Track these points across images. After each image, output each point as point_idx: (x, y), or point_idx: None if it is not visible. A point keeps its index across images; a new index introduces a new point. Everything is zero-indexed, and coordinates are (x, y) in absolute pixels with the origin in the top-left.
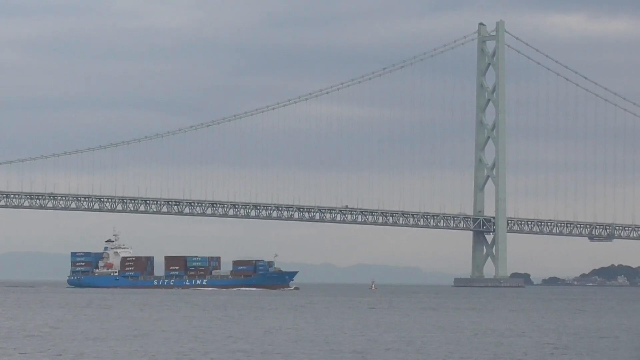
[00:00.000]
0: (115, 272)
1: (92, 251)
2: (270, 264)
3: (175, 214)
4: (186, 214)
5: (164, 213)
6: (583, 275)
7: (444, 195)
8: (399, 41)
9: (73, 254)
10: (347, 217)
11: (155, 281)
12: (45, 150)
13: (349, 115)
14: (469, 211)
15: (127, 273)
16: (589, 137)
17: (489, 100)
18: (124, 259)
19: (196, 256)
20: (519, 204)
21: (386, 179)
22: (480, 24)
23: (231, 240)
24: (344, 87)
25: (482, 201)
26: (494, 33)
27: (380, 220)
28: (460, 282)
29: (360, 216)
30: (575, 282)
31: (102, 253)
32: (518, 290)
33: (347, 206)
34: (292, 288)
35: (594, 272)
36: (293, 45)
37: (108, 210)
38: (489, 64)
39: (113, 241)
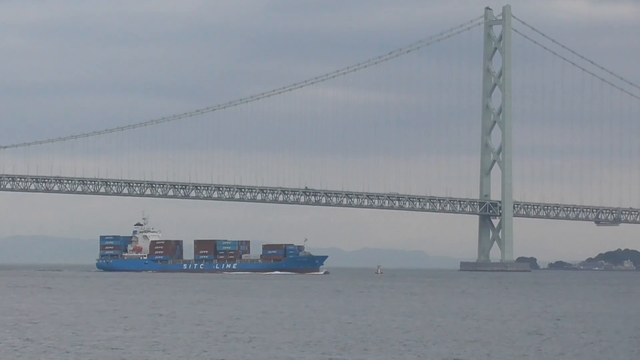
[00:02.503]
0: (144, 255)
1: (121, 235)
2: (300, 248)
3: (181, 197)
4: (192, 198)
5: (170, 197)
6: (589, 260)
7: (451, 180)
8: (406, 25)
9: (102, 238)
10: (353, 201)
11: (184, 265)
12: (52, 134)
13: (355, 99)
14: (475, 195)
15: (156, 257)
16: (595, 121)
17: (495, 84)
18: (153, 243)
19: (226, 240)
20: (525, 188)
21: (392, 163)
22: (487, 8)
23: (234, 223)
24: (351, 71)
25: (488, 185)
26: (500, 17)
27: (386, 204)
28: (466, 266)
29: (366, 200)
30: (582, 267)
31: (131, 237)
32: (525, 274)
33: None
34: (322, 272)
35: (600, 257)
36: (299, 29)
37: (138, 195)
38: (496, 48)
39: (142, 225)
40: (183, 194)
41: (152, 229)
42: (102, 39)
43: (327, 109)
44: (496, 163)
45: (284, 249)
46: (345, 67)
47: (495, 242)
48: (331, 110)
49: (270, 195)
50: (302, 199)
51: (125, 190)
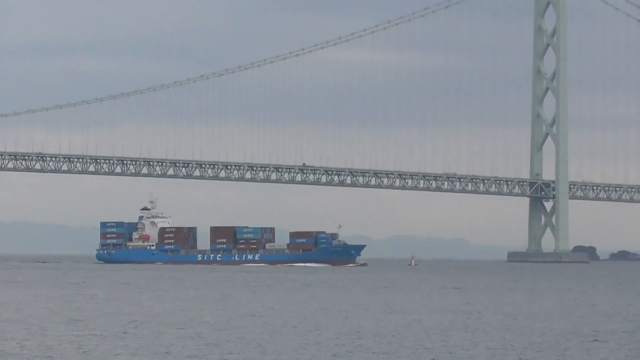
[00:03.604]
0: (152, 245)
1: (125, 221)
2: (334, 236)
3: (183, 177)
4: (195, 177)
5: (170, 176)
6: None
7: (496, 156)
8: None
9: (103, 224)
10: (382, 182)
11: (199, 256)
12: (32, 104)
13: (383, 63)
14: (525, 174)
15: (166, 246)
16: None
17: (548, 45)
18: (163, 230)
19: (247, 227)
20: (582, 165)
21: (428, 137)
22: None
23: (254, 207)
24: (379, 30)
25: (540, 163)
26: None
27: (421, 185)
28: (514, 257)
29: (398, 180)
30: None
31: (137, 223)
32: (583, 266)
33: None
34: (358, 264)
35: None
36: None
37: (132, 174)
38: (548, 2)
39: (149, 209)
40: (185, 173)
41: (161, 214)
42: None
43: (350, 74)
44: (549, 137)
45: (314, 237)
46: (373, 25)
47: (548, 229)
48: (355, 76)
49: (286, 174)
50: (324, 178)
51: (118, 169)
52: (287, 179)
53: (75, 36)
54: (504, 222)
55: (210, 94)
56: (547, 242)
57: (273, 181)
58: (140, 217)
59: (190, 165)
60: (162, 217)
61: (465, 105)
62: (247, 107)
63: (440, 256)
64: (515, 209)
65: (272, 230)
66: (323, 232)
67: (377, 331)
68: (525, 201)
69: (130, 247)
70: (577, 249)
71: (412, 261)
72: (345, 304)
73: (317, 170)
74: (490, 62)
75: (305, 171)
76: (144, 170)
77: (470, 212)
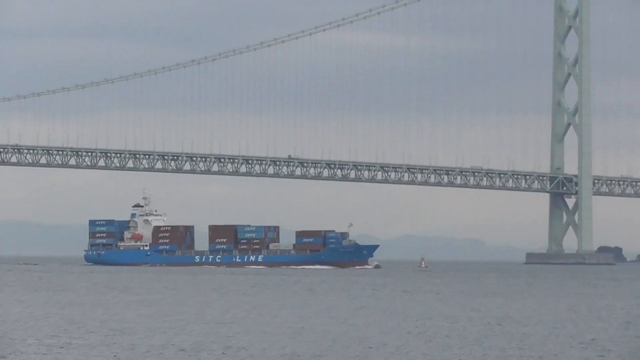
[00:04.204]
0: (146, 245)
1: (116, 219)
2: (344, 235)
3: (172, 171)
4: (185, 171)
5: (158, 170)
6: None
7: (514, 148)
8: None
9: (91, 223)
10: (390, 176)
11: (196, 257)
12: (7, 91)
13: (391, 47)
14: (545, 168)
15: (161, 247)
16: None
17: (569, 27)
18: (157, 229)
19: (249, 225)
20: (608, 158)
21: (439, 127)
22: None
23: (257, 204)
24: (386, 11)
25: (561, 155)
26: None
27: (432, 180)
28: (533, 259)
29: (407, 174)
30: None
31: (129, 221)
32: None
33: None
34: (371, 266)
35: None
36: None
37: (116, 168)
38: None
39: (143, 206)
40: (174, 167)
41: (156, 211)
42: None
43: (354, 58)
44: (571, 127)
45: (322, 237)
46: (380, 5)
47: (570, 228)
48: (360, 61)
49: (284, 168)
50: (325, 172)
51: (102, 162)
52: (286, 173)
53: (55, 19)
54: (522, 220)
55: (202, 81)
56: (569, 242)
57: (270, 175)
58: (133, 215)
59: (180, 158)
60: (157, 215)
61: (480, 92)
62: (243, 94)
63: (452, 257)
64: (535, 206)
65: (276, 229)
66: (332, 231)
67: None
68: (546, 197)
69: (121, 248)
70: (602, 249)
71: (422, 263)
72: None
73: (304, 162)
74: (507, 45)
75: (304, 164)
76: (130, 164)
77: (485, 210)
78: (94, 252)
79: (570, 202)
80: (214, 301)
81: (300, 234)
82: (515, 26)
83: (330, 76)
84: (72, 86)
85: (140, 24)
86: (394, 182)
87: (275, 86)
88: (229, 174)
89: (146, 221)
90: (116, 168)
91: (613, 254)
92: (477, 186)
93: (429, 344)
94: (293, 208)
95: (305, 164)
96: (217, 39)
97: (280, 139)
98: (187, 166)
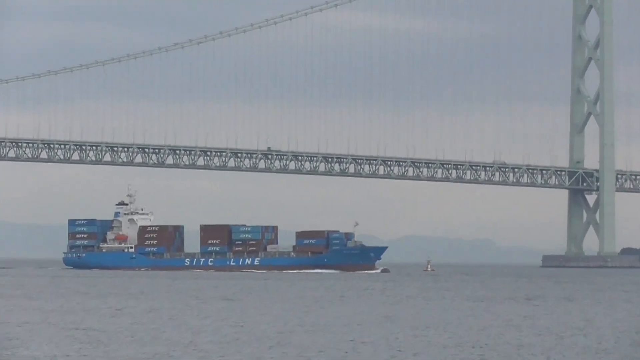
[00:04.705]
0: (131, 247)
1: (98, 218)
2: (349, 236)
3: (154, 165)
4: (168, 166)
5: (138, 164)
6: None
7: (529, 140)
8: None
9: (71, 222)
10: (392, 171)
11: (186, 260)
12: None
13: (394, 29)
14: (563, 162)
15: (147, 249)
16: None
17: (590, 7)
18: (143, 229)
19: (244, 225)
20: (632, 151)
21: (447, 117)
22: None
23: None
24: None
25: (581, 148)
26: None
27: (439, 175)
28: (550, 261)
29: (411, 169)
30: None
31: (112, 221)
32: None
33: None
34: (379, 270)
35: None
36: None
37: (92, 162)
38: None
39: (127, 204)
40: (156, 161)
41: (142, 209)
42: None
43: (354, 42)
44: (592, 116)
45: (325, 238)
46: None
47: (590, 228)
48: (360, 44)
49: (277, 162)
50: (322, 167)
51: (76, 156)
52: (278, 167)
53: (24, 1)
54: (538, 219)
55: (187, 66)
56: (590, 244)
57: (261, 170)
58: (116, 214)
59: (162, 151)
60: (143, 214)
61: (492, 79)
62: (231, 80)
63: (461, 260)
64: (552, 204)
65: (274, 229)
66: (336, 232)
67: None
68: (564, 194)
69: (104, 250)
70: (626, 251)
71: (429, 266)
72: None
73: (314, 156)
74: (521, 27)
75: (298, 158)
76: (107, 157)
77: (498, 208)
78: (74, 255)
79: (591, 199)
80: (192, 308)
81: (301, 235)
82: (530, 6)
83: (327, 61)
84: (43, 72)
85: (118, 6)
86: (397, 178)
87: (266, 72)
88: (216, 168)
89: (131, 220)
90: (92, 162)
91: (638, 256)
92: (489, 182)
93: None
94: (292, 206)
95: (299, 158)
96: (204, 20)
97: (272, 130)
98: (169, 160)
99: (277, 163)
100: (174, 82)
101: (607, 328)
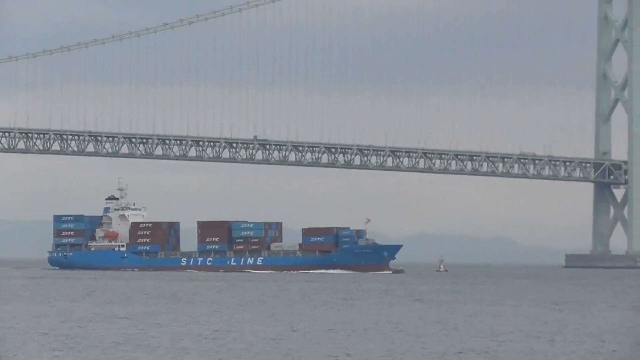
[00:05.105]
0: (122, 245)
1: (86, 214)
2: (360, 233)
3: (140, 156)
4: (157, 157)
5: (124, 155)
6: None
7: (551, 129)
8: None
9: (57, 218)
10: (402, 163)
11: (183, 260)
12: None
13: (402, 8)
14: (589, 153)
15: (140, 247)
16: None
17: None
18: (135, 226)
19: (246, 222)
20: None
21: (461, 104)
22: None
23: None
24: None
25: (607, 138)
26: None
27: (453, 167)
28: (574, 261)
29: (422, 160)
30: None
31: (102, 217)
32: None
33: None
34: (391, 271)
35: None
36: None
37: (74, 153)
38: None
39: (118, 199)
40: (143, 152)
41: (133, 204)
42: None
43: (359, 21)
44: (619, 103)
45: (334, 235)
46: None
47: (618, 224)
48: (365, 24)
49: (276, 152)
50: (325, 158)
51: (56, 146)
52: (277, 158)
53: None
54: (561, 215)
55: (177, 48)
56: (617, 242)
57: (258, 162)
58: (106, 209)
59: (150, 140)
60: (135, 209)
61: (511, 62)
62: (225, 64)
63: (477, 259)
64: (576, 199)
65: (278, 226)
66: (346, 229)
67: None
68: (589, 188)
69: (92, 249)
70: None
71: (441, 266)
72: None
73: (316, 146)
74: (543, 6)
75: (298, 148)
76: (90, 148)
77: (517, 203)
78: (60, 254)
79: (619, 193)
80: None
81: (308, 232)
82: None
83: (331, 43)
84: (20, 55)
85: None
86: (407, 170)
87: (264, 54)
88: (209, 159)
89: (122, 217)
90: (73, 153)
91: None
92: (507, 174)
93: None
94: (297, 201)
95: (300, 148)
96: None
97: (270, 118)
98: (158, 150)
99: (275, 154)
100: (163, 66)
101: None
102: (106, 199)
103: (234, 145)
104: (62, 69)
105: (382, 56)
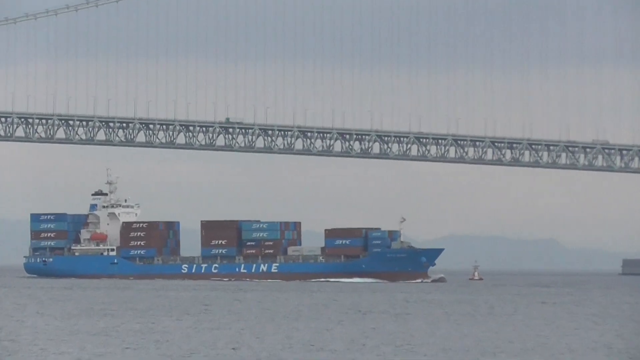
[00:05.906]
0: (112, 249)
1: (69, 212)
2: (393, 235)
3: (119, 143)
4: (140, 145)
5: (101, 143)
6: None
7: (603, 112)
8: None
9: (34, 217)
10: (429, 151)
11: (184, 267)
12: None
13: None
14: None
15: (133, 251)
16: None
17: None
18: (127, 226)
19: (258, 221)
20: None
21: (497, 83)
22: None
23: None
24: None
25: None
26: None
27: (488, 156)
28: (633, 267)
29: (453, 148)
30: None
31: (87, 216)
32: None
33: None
34: (430, 280)
35: None
36: None
37: (43, 140)
38: None
39: (107, 194)
40: (123, 138)
41: (125, 201)
42: None
43: None
44: None
45: (363, 237)
46: None
47: None
48: None
49: (280, 139)
50: (338, 146)
51: (20, 132)
52: (284, 146)
53: None
54: (616, 213)
55: (161, 14)
56: None
57: (259, 150)
58: (93, 207)
59: (131, 125)
60: (127, 207)
61: (553, 35)
62: (220, 34)
63: (517, 266)
64: (634, 194)
65: (296, 226)
66: (377, 229)
67: None
68: None
69: (77, 253)
70: None
71: (476, 274)
72: None
73: (328, 132)
74: None
75: (307, 134)
76: (60, 134)
77: (564, 198)
78: (38, 259)
79: None
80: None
81: (332, 234)
82: None
83: (344, 13)
84: None
85: None
86: (435, 160)
87: (266, 24)
88: (200, 147)
89: (112, 215)
90: (40, 140)
91: None
92: (553, 165)
93: None
94: (318, 196)
95: (308, 134)
96: None
97: (273, 99)
98: (140, 137)
99: (279, 141)
100: (146, 36)
101: None
102: (92, 195)
103: (231, 130)
104: (28, 41)
105: (404, 28)
